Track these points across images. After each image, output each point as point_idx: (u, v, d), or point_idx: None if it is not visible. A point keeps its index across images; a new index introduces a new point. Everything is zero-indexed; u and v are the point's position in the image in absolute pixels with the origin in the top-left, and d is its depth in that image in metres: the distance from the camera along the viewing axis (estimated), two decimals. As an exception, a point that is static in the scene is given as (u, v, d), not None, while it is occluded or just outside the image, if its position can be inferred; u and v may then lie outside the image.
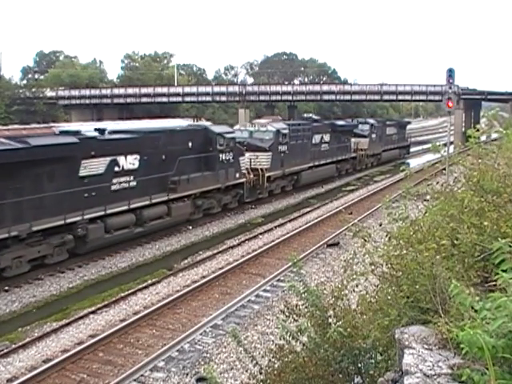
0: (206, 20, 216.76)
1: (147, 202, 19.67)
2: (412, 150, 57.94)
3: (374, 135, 43.71)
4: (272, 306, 13.68)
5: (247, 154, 26.45)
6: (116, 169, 18.67)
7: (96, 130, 19.23)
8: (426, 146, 48.52)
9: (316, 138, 33.89)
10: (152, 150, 20.10)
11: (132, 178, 19.29)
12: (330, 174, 35.95)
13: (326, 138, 35.39)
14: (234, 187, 24.96)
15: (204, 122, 30.37)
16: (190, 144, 22.28)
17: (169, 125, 25.18)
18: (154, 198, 19.99)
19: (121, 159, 18.85)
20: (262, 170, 27.02)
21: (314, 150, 33.09)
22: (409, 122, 64.72)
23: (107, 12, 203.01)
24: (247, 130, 29.15)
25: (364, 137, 41.93)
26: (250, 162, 26.82)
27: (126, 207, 18.71)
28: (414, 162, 46.13)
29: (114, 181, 18.55)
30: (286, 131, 29.78)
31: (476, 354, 2.40)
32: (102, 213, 17.77)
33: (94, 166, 17.74)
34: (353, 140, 39.94)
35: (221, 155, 23.68)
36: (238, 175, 24.93)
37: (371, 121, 46.25)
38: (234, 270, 16.54)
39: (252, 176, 26.29)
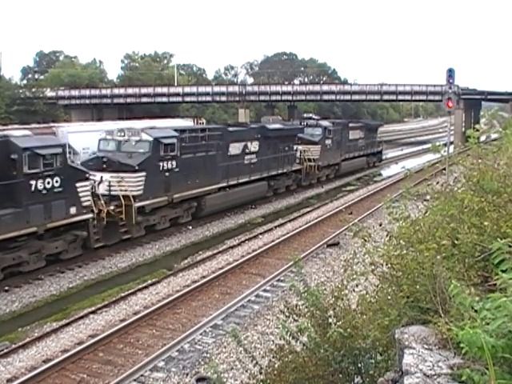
0: (206, 20, 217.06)
1: None
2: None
3: (328, 141, 35.26)
4: (272, 306, 13.68)
5: (107, 176, 18.84)
6: None
7: None
8: (425, 146, 48.40)
9: (234, 148, 25.37)
10: None
11: None
12: (256, 194, 27.37)
13: (253, 146, 26.86)
14: (69, 228, 16.95)
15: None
16: None
17: None
18: None
19: None
20: (128, 198, 18.69)
21: (229, 165, 24.47)
22: (381, 124, 54.91)
23: (107, 12, 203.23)
24: (114, 140, 20.65)
25: (314, 143, 33.60)
26: (110, 187, 18.80)
27: None
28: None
29: None
30: (171, 140, 21.01)
31: (476, 353, 2.41)
32: None
33: None
34: (300, 148, 32.13)
35: (34, 182, 15.49)
36: (74, 210, 16.85)
37: (325, 123, 37.00)
38: (234, 269, 16.54)
39: (112, 208, 18.37)
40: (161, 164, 20.47)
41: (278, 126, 32.56)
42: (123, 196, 18.55)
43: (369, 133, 43.79)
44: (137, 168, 19.40)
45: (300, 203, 29.31)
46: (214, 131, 24.55)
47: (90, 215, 17.43)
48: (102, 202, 18.19)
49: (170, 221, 21.46)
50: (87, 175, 17.71)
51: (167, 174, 20.76)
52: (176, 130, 22.03)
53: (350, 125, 41.22)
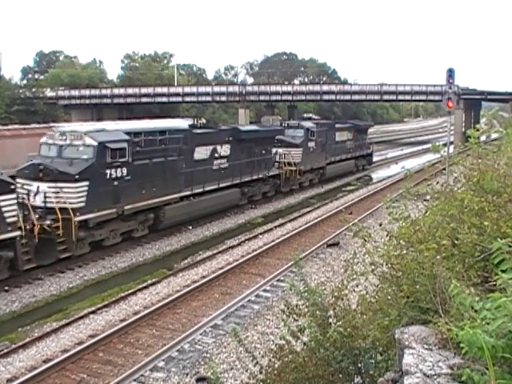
0: (206, 20, 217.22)
1: None
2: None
3: (311, 143, 32.87)
4: (272, 306, 13.68)
5: (44, 186, 16.68)
6: None
7: None
8: (426, 146, 48.34)
9: (201, 152, 22.96)
10: None
11: None
12: (228, 203, 25.06)
13: (224, 150, 24.55)
14: None
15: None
16: None
17: None
18: None
19: None
20: (67, 211, 16.37)
21: (194, 171, 22.08)
22: (371, 125, 52.11)
23: (107, 12, 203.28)
24: (56, 145, 18.14)
25: (295, 146, 31.27)
26: (45, 198, 16.53)
27: None
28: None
29: None
30: (121, 145, 18.51)
31: (476, 353, 2.41)
32: None
33: None
34: (279, 151, 29.92)
35: None
36: None
37: (307, 124, 34.21)
38: (234, 270, 16.54)
39: (48, 223, 16.11)
40: (108, 172, 18.02)
41: (252, 127, 30.35)
42: (61, 209, 16.26)
43: (358, 134, 41.29)
44: (77, 177, 17.02)
45: (300, 203, 29.31)
46: (175, 134, 21.65)
47: (17, 233, 15.00)
48: (36, 216, 15.85)
49: (121, 235, 19.12)
50: (12, 186, 15.19)
51: (116, 183, 18.32)
52: (127, 133, 19.12)
53: (337, 126, 38.87)
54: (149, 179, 19.62)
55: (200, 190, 22.71)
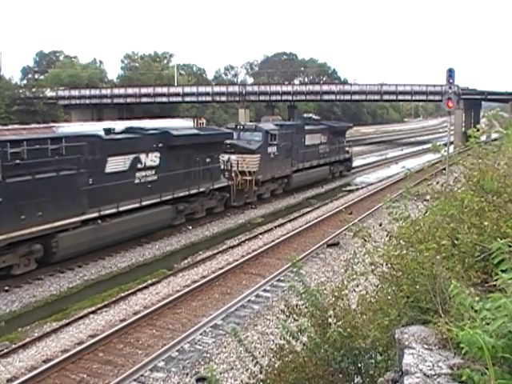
0: (206, 20, 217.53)
1: None
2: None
3: (271, 148, 28.07)
4: (272, 306, 13.68)
5: None
6: None
7: None
8: (426, 146, 48.32)
9: (116, 163, 18.51)
10: None
11: None
12: (156, 224, 20.36)
13: (151, 159, 20.04)
14: None
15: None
16: None
17: None
18: None
19: None
20: None
21: (105, 187, 17.65)
22: (349, 126, 45.56)
23: (107, 12, 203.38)
24: None
25: (251, 152, 26.42)
26: None
27: None
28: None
29: None
30: None
31: (476, 353, 2.41)
32: None
33: None
34: (232, 158, 25.35)
35: None
36: None
37: (267, 126, 29.71)
38: (234, 270, 16.54)
39: None
40: None
41: (190, 131, 24.31)
42: None
43: (333, 137, 36.41)
44: None
45: (300, 203, 29.30)
46: (76, 141, 16.91)
47: None
48: None
49: None
50: None
51: None
52: (12, 140, 15.12)
53: (307, 127, 33.59)
54: (32, 200, 15.21)
55: (113, 211, 18.10)
